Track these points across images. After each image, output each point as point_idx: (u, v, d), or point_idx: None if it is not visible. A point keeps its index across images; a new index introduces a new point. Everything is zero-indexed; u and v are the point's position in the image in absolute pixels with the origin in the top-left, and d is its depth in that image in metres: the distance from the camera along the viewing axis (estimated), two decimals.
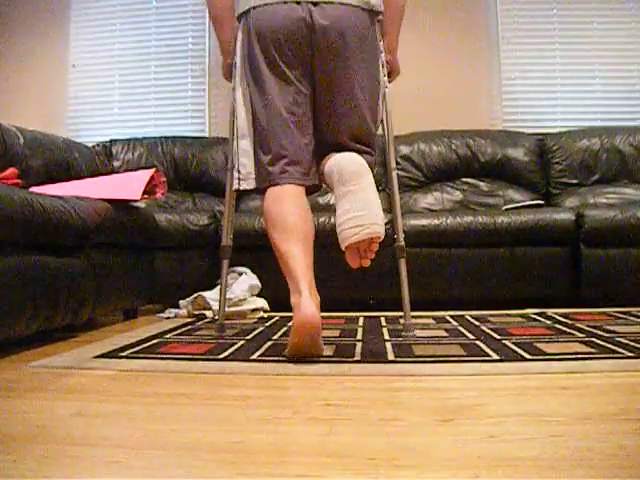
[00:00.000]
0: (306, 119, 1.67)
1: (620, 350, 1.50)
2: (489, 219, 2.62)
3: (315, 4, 1.62)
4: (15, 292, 1.56)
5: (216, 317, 2.30)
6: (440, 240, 2.62)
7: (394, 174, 1.89)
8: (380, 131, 3.21)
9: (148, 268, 2.54)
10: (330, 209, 2.69)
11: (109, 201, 2.14)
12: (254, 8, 1.65)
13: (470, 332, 1.87)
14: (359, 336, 1.85)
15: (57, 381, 1.33)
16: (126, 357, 1.56)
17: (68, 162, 2.65)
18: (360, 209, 1.46)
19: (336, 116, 1.68)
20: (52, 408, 1.09)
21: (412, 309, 2.49)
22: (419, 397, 1.16)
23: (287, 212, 1.56)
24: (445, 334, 1.85)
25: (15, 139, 2.35)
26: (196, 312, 2.43)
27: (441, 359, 1.47)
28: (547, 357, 1.45)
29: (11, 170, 2.04)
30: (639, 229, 2.52)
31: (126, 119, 3.80)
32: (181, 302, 2.53)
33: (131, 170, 3.15)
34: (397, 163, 3.30)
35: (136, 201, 2.31)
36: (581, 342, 1.63)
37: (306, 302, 1.39)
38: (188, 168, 3.37)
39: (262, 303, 2.46)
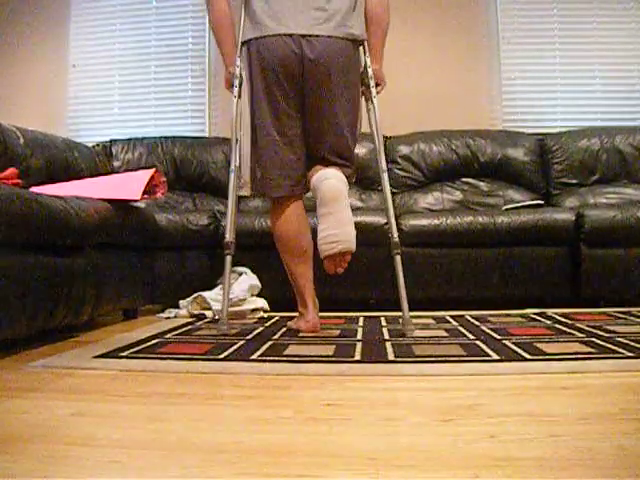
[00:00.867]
0: (297, 139, 1.94)
1: (620, 350, 1.50)
2: (489, 219, 2.62)
3: (305, 37, 1.85)
4: (15, 292, 1.56)
5: (217, 317, 2.31)
6: (440, 240, 2.62)
7: (385, 175, 2.02)
8: (381, 132, 3.20)
9: (148, 268, 2.54)
10: None
11: (109, 201, 2.14)
12: (256, 39, 1.89)
13: (470, 332, 1.87)
14: (359, 336, 1.85)
15: (57, 381, 1.33)
16: (126, 357, 1.56)
17: (68, 162, 2.65)
18: (335, 228, 1.79)
19: (321, 136, 1.95)
20: (52, 408, 1.09)
21: (412, 309, 2.50)
22: (419, 397, 1.16)
23: (293, 234, 1.95)
24: (445, 334, 1.85)
25: (15, 139, 2.35)
26: (196, 312, 2.43)
27: (441, 359, 1.47)
28: (547, 357, 1.45)
29: (11, 170, 2.04)
30: (639, 229, 2.52)
31: (126, 119, 3.80)
32: (181, 302, 2.53)
33: (131, 170, 3.14)
34: (397, 163, 3.31)
35: (136, 201, 2.31)
36: (581, 342, 1.63)
37: (311, 314, 1.93)
38: (188, 168, 3.37)
39: (262, 303, 2.46)
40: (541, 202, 3.04)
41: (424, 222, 2.65)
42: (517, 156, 3.26)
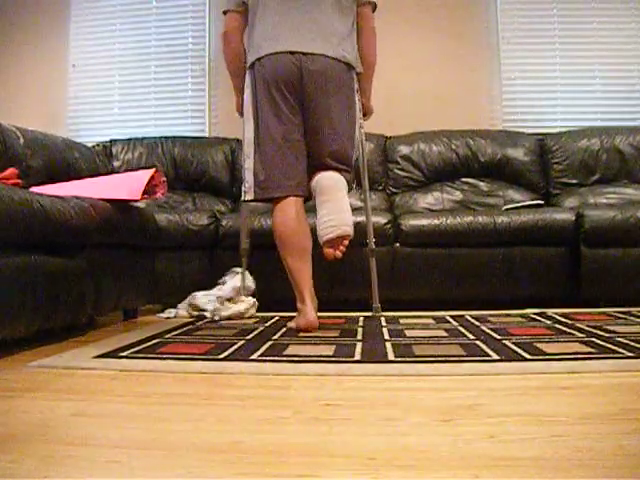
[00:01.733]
0: (299, 144, 2.10)
1: (620, 350, 1.50)
2: (489, 219, 2.62)
3: (305, 54, 2.06)
4: (15, 292, 1.56)
5: (216, 317, 2.31)
6: (440, 240, 2.62)
7: (366, 194, 2.42)
8: (380, 132, 3.27)
9: (148, 268, 2.54)
10: None
11: (109, 201, 2.14)
12: (259, 59, 2.09)
13: (470, 332, 1.87)
14: (359, 336, 1.85)
15: (57, 381, 1.33)
16: (126, 357, 1.56)
17: (68, 162, 2.65)
18: (333, 213, 1.94)
19: (321, 142, 2.11)
20: (52, 408, 1.09)
21: (412, 309, 2.53)
22: (419, 397, 1.16)
23: (292, 232, 2.04)
24: (445, 334, 1.85)
25: (15, 139, 2.35)
26: (195, 313, 2.42)
27: (441, 359, 1.47)
28: (547, 357, 1.45)
29: (11, 170, 2.04)
30: (639, 229, 2.52)
31: (126, 119, 3.80)
32: (179, 306, 2.53)
33: (131, 170, 3.14)
34: (397, 163, 3.32)
35: (136, 201, 2.31)
36: (581, 342, 1.63)
37: (308, 310, 1.97)
38: (188, 168, 3.37)
39: (249, 304, 2.43)
40: (541, 202, 3.04)
41: (424, 222, 2.65)
42: (517, 156, 3.26)
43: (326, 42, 2.09)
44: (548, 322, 2.06)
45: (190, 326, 2.15)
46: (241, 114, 2.26)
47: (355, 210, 2.95)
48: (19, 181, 2.04)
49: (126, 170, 3.24)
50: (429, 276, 2.61)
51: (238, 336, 1.88)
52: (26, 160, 2.36)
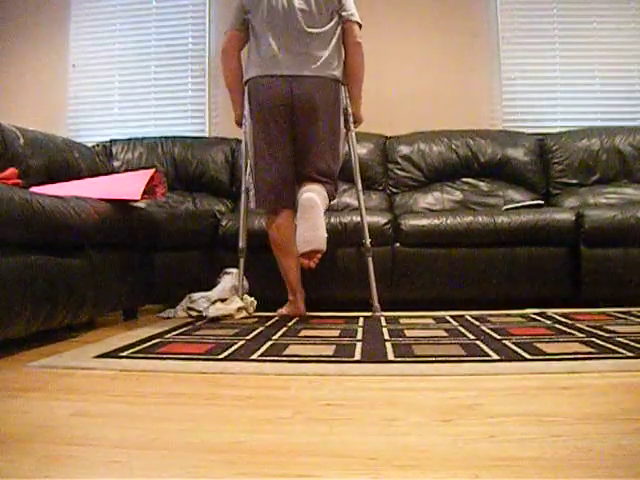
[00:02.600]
0: (286, 161, 2.33)
1: (620, 350, 1.50)
2: (489, 219, 2.62)
3: (293, 77, 2.27)
4: (15, 292, 1.56)
5: (214, 316, 2.31)
6: (440, 240, 2.62)
7: (360, 194, 2.52)
8: (381, 132, 3.27)
9: (148, 268, 2.54)
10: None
11: (109, 201, 2.14)
12: (252, 78, 2.32)
13: (470, 332, 1.87)
14: (359, 336, 1.85)
15: (57, 381, 1.33)
16: (126, 357, 1.56)
17: (68, 162, 2.65)
18: (309, 230, 2.15)
19: (307, 158, 2.35)
20: (52, 408, 1.09)
21: (412, 309, 2.53)
22: (419, 397, 1.16)
23: (286, 239, 2.35)
24: (445, 334, 1.85)
25: (15, 139, 2.35)
26: (193, 313, 2.42)
27: (441, 359, 1.47)
28: (547, 357, 1.45)
29: (11, 170, 2.04)
30: (639, 229, 2.52)
31: (126, 119, 3.80)
32: (178, 306, 2.53)
33: (131, 170, 3.14)
34: (397, 163, 3.32)
35: (136, 201, 2.31)
36: (581, 342, 1.63)
37: (298, 300, 2.43)
38: (188, 168, 3.37)
39: (240, 304, 2.42)
40: (541, 202, 3.04)
41: (424, 222, 2.65)
42: (517, 156, 3.26)
43: (314, 63, 2.30)
44: (548, 322, 2.06)
45: (190, 326, 2.15)
46: (240, 124, 2.50)
47: (355, 210, 2.95)
48: (19, 181, 2.04)
49: (126, 170, 3.24)
50: (429, 276, 2.61)
51: (238, 336, 1.88)
52: (26, 160, 2.36)
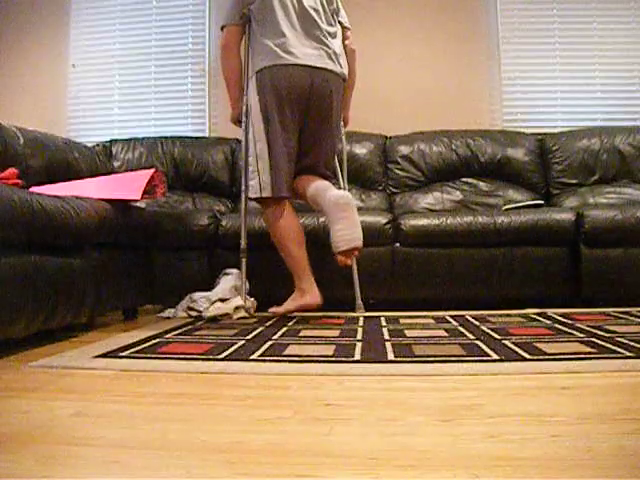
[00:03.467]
0: (294, 152, 2.33)
1: (620, 350, 1.50)
2: (489, 219, 2.62)
3: (313, 68, 2.28)
4: (15, 292, 1.56)
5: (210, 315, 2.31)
6: (440, 240, 2.62)
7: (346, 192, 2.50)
8: (381, 132, 3.28)
9: (148, 268, 2.54)
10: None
11: (109, 201, 2.14)
12: (269, 67, 2.26)
13: (470, 332, 1.87)
14: (359, 336, 1.85)
15: (57, 381, 1.33)
16: (126, 357, 1.56)
17: (68, 162, 2.65)
18: (350, 228, 2.21)
19: (320, 153, 2.40)
20: (52, 408, 1.09)
21: (412, 309, 2.53)
22: (419, 397, 1.16)
23: (294, 226, 2.34)
24: (445, 334, 1.85)
25: (15, 139, 2.35)
26: (193, 313, 2.42)
27: (441, 359, 1.47)
28: (547, 357, 1.45)
29: (11, 170, 2.04)
30: (639, 229, 2.52)
31: (126, 119, 3.80)
32: (177, 306, 2.53)
33: (131, 170, 3.15)
34: (397, 163, 3.32)
35: (136, 201, 2.31)
36: (581, 342, 1.63)
37: (314, 288, 2.31)
38: (188, 168, 3.37)
39: (240, 302, 2.42)
40: (541, 202, 3.04)
41: (424, 222, 2.65)
42: (517, 156, 3.26)
43: (330, 59, 2.33)
44: (548, 322, 2.06)
45: (190, 326, 2.15)
46: (239, 123, 2.48)
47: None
48: (19, 181, 2.04)
49: (126, 170, 3.24)
50: (429, 276, 2.61)
51: (238, 336, 1.88)
52: (26, 160, 2.36)
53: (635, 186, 3.12)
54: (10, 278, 1.54)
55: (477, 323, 2.08)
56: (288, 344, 1.71)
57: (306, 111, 2.30)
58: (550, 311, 2.36)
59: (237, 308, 2.36)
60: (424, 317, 2.29)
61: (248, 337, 1.85)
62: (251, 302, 2.45)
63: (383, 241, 2.61)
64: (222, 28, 2.41)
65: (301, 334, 1.90)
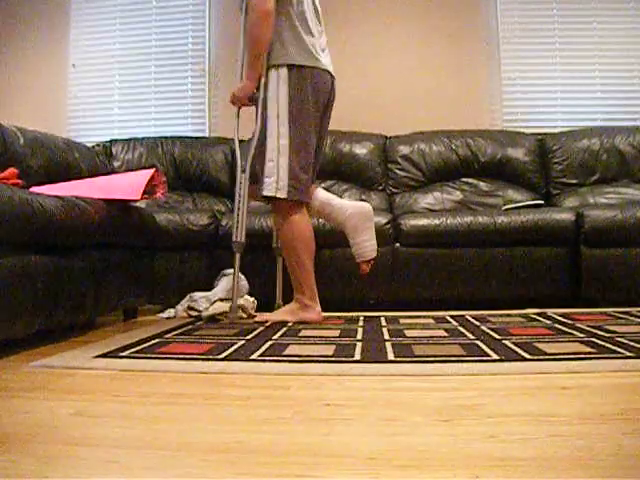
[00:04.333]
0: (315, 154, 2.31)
1: (620, 350, 1.50)
2: (489, 219, 2.62)
3: (332, 75, 2.31)
4: (15, 292, 1.56)
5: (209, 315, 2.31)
6: (440, 240, 2.62)
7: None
8: (381, 132, 3.28)
9: (148, 268, 2.54)
10: None
11: (109, 201, 2.14)
12: (312, 68, 2.19)
13: (470, 332, 1.87)
14: (359, 336, 1.85)
15: (57, 381, 1.33)
16: (126, 357, 1.56)
17: (68, 162, 2.65)
18: (373, 238, 2.31)
19: (319, 155, 2.37)
20: (52, 408, 1.09)
21: (412, 309, 2.53)
22: (419, 397, 1.16)
23: (310, 236, 2.24)
24: (445, 334, 1.85)
25: (15, 139, 2.35)
26: (193, 313, 2.42)
27: (441, 359, 1.47)
28: (547, 357, 1.45)
29: (11, 170, 2.04)
30: (639, 229, 2.52)
31: (126, 119, 3.80)
32: (178, 306, 2.53)
33: (131, 170, 3.14)
34: (397, 163, 3.32)
35: (136, 201, 2.31)
36: (581, 342, 1.63)
37: (318, 305, 2.25)
38: (188, 168, 3.37)
39: (242, 301, 2.42)
40: (541, 202, 3.04)
41: (424, 222, 2.65)
42: (517, 156, 3.26)
43: (331, 61, 2.34)
44: (548, 322, 2.06)
45: (190, 326, 2.15)
46: (250, 101, 2.25)
47: None
48: (19, 181, 2.04)
49: (126, 170, 3.24)
50: (429, 276, 2.61)
51: (238, 336, 1.88)
52: (26, 160, 2.36)
53: (635, 186, 3.12)
54: (10, 278, 1.54)
55: (477, 323, 2.08)
56: (288, 344, 1.71)
57: (322, 116, 2.28)
58: (550, 311, 2.36)
59: (238, 307, 2.36)
60: (424, 317, 2.29)
61: (248, 337, 1.85)
62: (251, 302, 2.45)
63: (383, 241, 2.61)
64: None
65: (301, 334, 1.90)
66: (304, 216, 2.23)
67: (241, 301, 2.40)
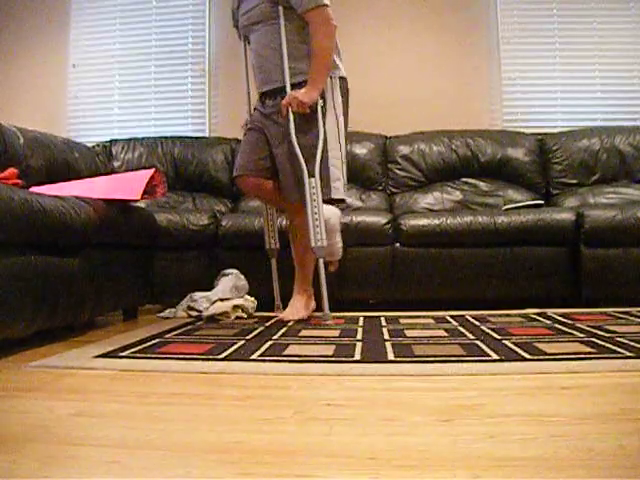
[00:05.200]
0: None
1: (620, 350, 1.50)
2: (489, 219, 2.62)
3: None
4: (15, 292, 1.56)
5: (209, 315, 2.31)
6: (440, 240, 2.62)
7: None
8: (381, 132, 3.27)
9: (148, 268, 2.54)
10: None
11: (109, 201, 2.14)
12: (345, 79, 2.34)
13: (470, 332, 1.87)
14: (359, 336, 1.85)
15: (57, 381, 1.33)
16: (126, 357, 1.56)
17: (68, 162, 2.65)
18: (341, 241, 2.50)
19: None
20: (52, 408, 1.09)
21: (412, 309, 2.52)
22: (419, 397, 1.16)
23: None
24: (445, 334, 1.85)
25: (15, 139, 2.35)
26: (193, 313, 2.42)
27: (441, 359, 1.47)
28: (547, 357, 1.45)
29: (11, 170, 2.04)
30: (639, 229, 2.52)
31: (126, 119, 3.80)
32: (178, 306, 2.53)
33: (131, 170, 3.14)
34: (397, 163, 3.31)
35: (136, 201, 2.31)
36: (581, 342, 1.63)
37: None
38: (188, 168, 3.37)
39: (243, 301, 2.42)
40: (541, 202, 3.04)
41: (424, 222, 2.65)
42: (517, 156, 3.26)
43: None
44: (548, 322, 2.06)
45: (190, 326, 2.15)
46: (314, 107, 2.23)
47: (355, 210, 2.95)
48: (19, 181, 2.04)
49: (126, 170, 3.24)
50: (429, 276, 2.61)
51: (238, 336, 1.88)
52: (26, 160, 2.36)
53: (635, 186, 3.12)
54: (10, 278, 1.54)
55: (477, 323, 2.08)
56: (288, 344, 1.71)
57: None
58: (550, 311, 2.36)
59: (235, 307, 2.37)
60: (424, 317, 2.29)
61: (248, 337, 1.85)
62: (251, 302, 2.45)
63: (383, 241, 2.61)
64: (317, 7, 2.18)
65: (301, 334, 1.90)
66: None
67: (241, 301, 2.40)
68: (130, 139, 3.46)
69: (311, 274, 2.35)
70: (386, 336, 1.84)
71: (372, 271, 2.61)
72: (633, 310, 2.34)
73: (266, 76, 2.31)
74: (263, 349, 1.63)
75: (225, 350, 1.62)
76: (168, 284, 2.69)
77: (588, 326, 1.93)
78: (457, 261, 2.61)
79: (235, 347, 1.67)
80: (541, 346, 1.58)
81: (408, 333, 1.88)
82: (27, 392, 1.23)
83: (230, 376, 1.36)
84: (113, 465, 0.81)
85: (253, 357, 1.53)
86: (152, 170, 2.34)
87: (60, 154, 2.61)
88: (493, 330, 1.89)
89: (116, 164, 3.33)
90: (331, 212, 2.42)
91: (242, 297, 2.43)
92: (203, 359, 1.52)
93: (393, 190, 3.31)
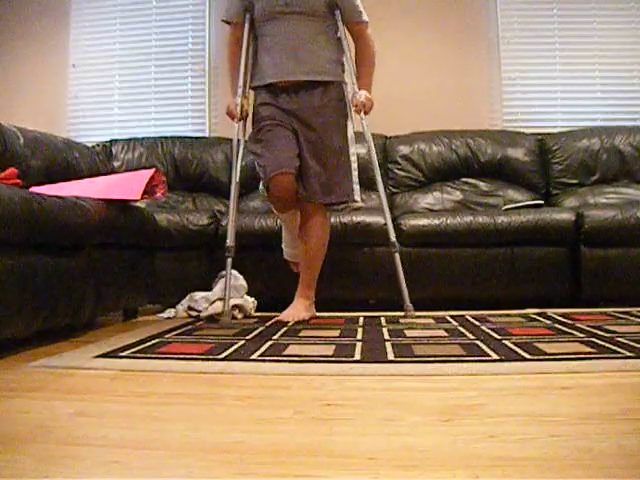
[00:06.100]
0: None
1: (620, 350, 1.50)
2: (489, 219, 2.62)
3: None
4: (15, 292, 1.56)
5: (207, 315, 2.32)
6: (440, 240, 2.62)
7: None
8: (381, 132, 3.26)
9: (148, 268, 2.54)
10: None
11: (109, 201, 2.14)
12: None
13: (470, 332, 1.87)
14: (359, 336, 1.85)
15: (57, 381, 1.33)
16: (126, 357, 1.56)
17: (68, 162, 2.65)
18: None
19: None
20: (52, 408, 1.09)
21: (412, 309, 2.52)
22: (419, 397, 1.16)
23: None
24: (445, 334, 1.85)
25: (15, 139, 2.35)
26: (193, 313, 2.42)
27: (441, 359, 1.47)
28: (547, 357, 1.45)
29: (11, 170, 2.04)
30: (639, 229, 2.52)
31: (126, 119, 3.80)
32: (178, 306, 2.53)
33: (131, 170, 3.14)
34: (397, 163, 3.31)
35: (136, 201, 2.31)
36: (581, 342, 1.63)
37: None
38: (188, 168, 3.37)
39: (242, 301, 2.42)
40: (541, 202, 3.04)
41: (424, 222, 2.65)
42: (517, 156, 3.26)
43: None
44: (548, 322, 2.06)
45: (190, 326, 2.15)
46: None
47: (355, 210, 2.95)
48: (19, 181, 2.03)
49: (126, 170, 3.24)
50: (429, 276, 2.61)
51: (238, 336, 1.88)
52: (26, 160, 2.35)
53: (635, 186, 3.12)
54: (10, 278, 1.54)
55: (477, 323, 2.08)
56: (288, 344, 1.71)
57: None
58: (550, 311, 2.36)
59: (234, 307, 2.37)
60: (424, 317, 2.29)
61: (248, 337, 1.85)
62: (250, 302, 2.45)
63: (383, 241, 2.61)
64: (367, 23, 2.55)
65: (301, 334, 1.90)
66: None
67: (240, 301, 2.40)
68: (130, 139, 3.46)
69: (316, 278, 2.31)
70: (386, 336, 1.84)
71: (372, 271, 2.61)
72: (633, 310, 2.34)
73: (307, 67, 2.24)
74: (263, 349, 1.63)
75: (225, 350, 1.62)
76: (168, 284, 2.69)
77: (588, 326, 1.93)
78: (457, 261, 2.61)
79: (235, 347, 1.67)
80: (541, 346, 1.58)
81: (408, 333, 1.88)
82: (27, 392, 1.23)
83: (230, 376, 1.36)
84: (113, 465, 0.81)
85: (253, 357, 1.52)
86: (152, 170, 2.34)
87: (60, 154, 2.61)
88: (493, 330, 1.89)
89: (116, 164, 3.33)
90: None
91: (241, 297, 2.43)
92: (203, 359, 1.52)
93: (393, 190, 3.31)
